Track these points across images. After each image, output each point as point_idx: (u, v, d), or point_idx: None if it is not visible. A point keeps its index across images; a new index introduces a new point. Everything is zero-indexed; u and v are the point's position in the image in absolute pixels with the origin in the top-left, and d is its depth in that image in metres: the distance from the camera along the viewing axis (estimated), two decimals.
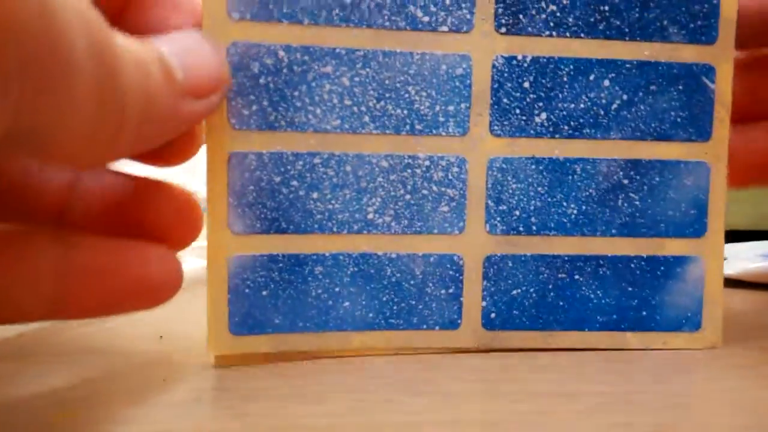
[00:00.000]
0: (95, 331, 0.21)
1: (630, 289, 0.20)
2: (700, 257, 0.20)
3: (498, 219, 0.20)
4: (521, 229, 0.20)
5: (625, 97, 0.20)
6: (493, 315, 0.20)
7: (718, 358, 0.20)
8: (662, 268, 0.20)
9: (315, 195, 0.19)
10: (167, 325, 0.22)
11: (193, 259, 0.27)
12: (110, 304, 0.17)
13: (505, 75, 0.19)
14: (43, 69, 0.11)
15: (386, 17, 0.18)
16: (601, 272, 0.20)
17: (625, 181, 0.20)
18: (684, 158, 0.20)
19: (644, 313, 0.20)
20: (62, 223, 0.18)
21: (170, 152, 0.18)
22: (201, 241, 0.25)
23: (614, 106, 0.20)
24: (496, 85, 0.19)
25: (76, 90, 0.12)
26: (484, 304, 0.20)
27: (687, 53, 0.20)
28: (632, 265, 0.20)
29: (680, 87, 0.20)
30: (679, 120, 0.20)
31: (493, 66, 0.19)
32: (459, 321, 0.20)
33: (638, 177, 0.20)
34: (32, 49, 0.11)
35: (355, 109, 0.19)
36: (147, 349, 0.20)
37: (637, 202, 0.20)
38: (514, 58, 0.19)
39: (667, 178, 0.20)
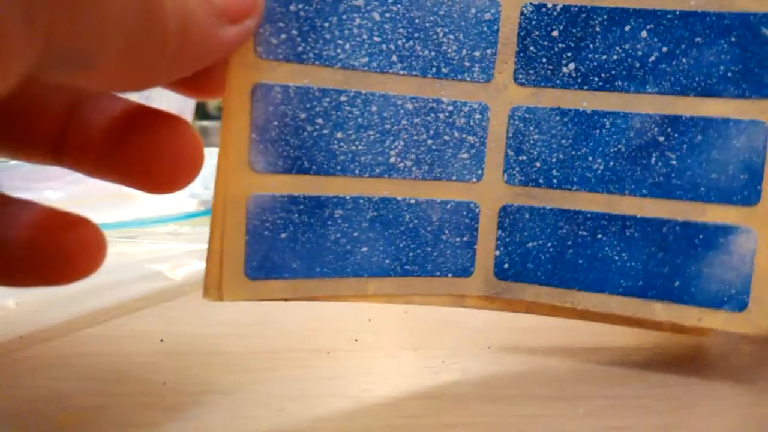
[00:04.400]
0: (96, 333, 0.20)
1: (660, 254, 0.18)
2: (750, 228, 0.17)
3: (517, 169, 0.18)
4: (541, 181, 0.18)
5: (664, 49, 0.17)
6: (506, 265, 0.18)
7: (719, 361, 0.18)
8: (701, 235, 0.18)
9: (339, 135, 0.18)
10: (167, 328, 0.20)
11: (194, 262, 0.25)
12: (17, 272, 0.15)
13: (533, 23, 0.18)
14: None
15: None
16: (627, 234, 0.18)
17: (661, 138, 0.18)
18: (734, 116, 0.17)
19: (677, 283, 0.18)
20: (59, 152, 0.16)
21: (208, 83, 0.16)
22: (202, 244, 0.24)
23: (652, 58, 0.17)
24: (523, 33, 0.18)
25: (115, 6, 0.11)
26: (497, 253, 0.18)
27: (743, 1, 0.17)
28: (664, 229, 0.18)
29: (732, 39, 0.17)
30: (730, 75, 0.17)
31: (522, 13, 0.18)
32: (471, 269, 0.18)
33: (676, 135, 0.17)
34: None
35: (384, 47, 0.17)
36: (148, 351, 0.19)
37: (674, 162, 0.18)
38: (544, 5, 0.18)
39: (711, 138, 0.17)
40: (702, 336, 0.19)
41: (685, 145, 0.17)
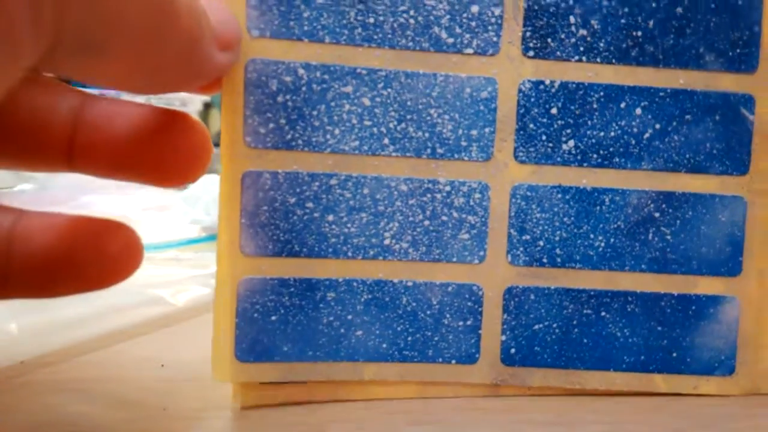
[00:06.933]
0: (97, 358, 0.19)
1: (659, 328, 0.17)
2: (735, 297, 0.18)
3: (521, 249, 0.17)
4: (545, 260, 0.17)
5: (657, 126, 0.17)
6: (513, 350, 0.17)
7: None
8: (694, 307, 0.18)
9: (330, 218, 0.17)
10: (168, 353, 0.20)
11: (196, 287, 0.25)
12: (57, 281, 0.15)
13: (532, 100, 0.17)
14: None
15: (409, 38, 0.16)
16: (629, 309, 0.17)
17: (657, 214, 0.17)
18: (719, 192, 0.17)
19: (674, 354, 0.18)
20: (70, 157, 0.15)
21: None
22: (203, 270, 0.23)
23: (646, 135, 0.17)
24: (522, 110, 0.17)
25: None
26: (503, 338, 0.17)
27: (725, 82, 0.17)
28: (662, 303, 0.17)
29: (717, 117, 0.17)
30: (714, 152, 0.17)
31: (520, 90, 0.17)
32: (477, 355, 0.17)
33: (670, 210, 0.17)
34: None
35: (375, 130, 0.16)
36: (148, 377, 0.18)
37: (669, 237, 0.17)
38: (542, 82, 0.17)
39: (700, 213, 0.17)
40: None
41: (678, 221, 0.17)
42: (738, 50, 0.17)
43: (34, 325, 0.20)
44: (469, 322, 0.17)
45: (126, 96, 0.18)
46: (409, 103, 0.16)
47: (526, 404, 0.17)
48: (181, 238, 0.32)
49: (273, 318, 0.16)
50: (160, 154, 0.16)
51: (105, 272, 0.15)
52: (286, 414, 0.16)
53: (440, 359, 0.17)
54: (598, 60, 0.17)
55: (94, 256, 0.15)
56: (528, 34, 0.17)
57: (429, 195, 0.17)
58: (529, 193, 0.17)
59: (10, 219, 0.15)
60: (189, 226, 0.33)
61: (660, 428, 0.16)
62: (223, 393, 0.17)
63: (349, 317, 0.17)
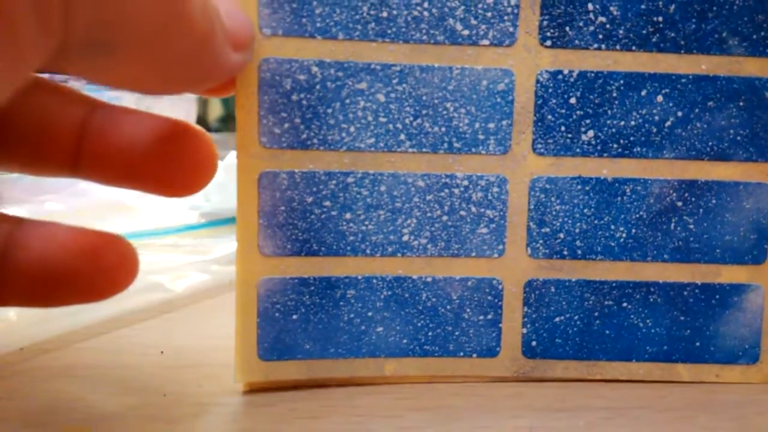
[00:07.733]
0: (97, 345, 0.19)
1: (682, 318, 0.17)
2: (760, 285, 0.17)
3: (540, 242, 0.17)
4: (565, 252, 0.17)
5: (679, 113, 0.17)
6: (534, 343, 0.17)
7: None
8: (717, 296, 0.17)
9: (348, 216, 0.16)
10: (168, 339, 0.20)
11: (195, 273, 0.24)
12: (52, 292, 0.15)
13: (550, 90, 0.17)
14: None
15: (424, 31, 0.16)
16: (651, 300, 0.17)
17: (679, 204, 0.17)
18: (743, 179, 0.17)
19: (697, 343, 0.17)
20: (75, 164, 0.15)
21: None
22: (202, 256, 0.23)
23: (668, 123, 0.17)
24: (540, 101, 0.17)
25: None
26: (524, 331, 0.17)
27: (749, 66, 0.17)
28: (685, 293, 0.17)
29: (740, 103, 0.17)
30: (738, 138, 0.17)
31: (537, 81, 0.17)
32: (498, 349, 0.17)
33: (693, 199, 0.17)
34: None
35: (391, 126, 0.16)
36: (148, 363, 0.18)
37: (692, 226, 0.17)
38: (560, 72, 0.17)
39: (724, 201, 0.17)
40: None
41: (701, 209, 0.17)
42: (763, 33, 0.16)
43: (33, 312, 0.20)
44: (489, 316, 0.17)
45: (132, 102, 0.17)
46: (424, 97, 0.16)
47: (531, 391, 0.17)
48: (180, 224, 0.31)
49: (294, 317, 0.16)
50: (165, 164, 0.16)
51: (100, 285, 0.15)
52: (290, 399, 0.16)
53: (461, 353, 0.17)
54: (618, 47, 0.16)
55: (90, 269, 0.15)
56: (545, 22, 0.16)
57: (447, 190, 0.17)
58: (548, 186, 0.17)
59: (6, 228, 0.15)
60: (188, 212, 0.33)
61: (666, 414, 0.16)
62: (223, 379, 0.17)
63: (370, 314, 0.17)
